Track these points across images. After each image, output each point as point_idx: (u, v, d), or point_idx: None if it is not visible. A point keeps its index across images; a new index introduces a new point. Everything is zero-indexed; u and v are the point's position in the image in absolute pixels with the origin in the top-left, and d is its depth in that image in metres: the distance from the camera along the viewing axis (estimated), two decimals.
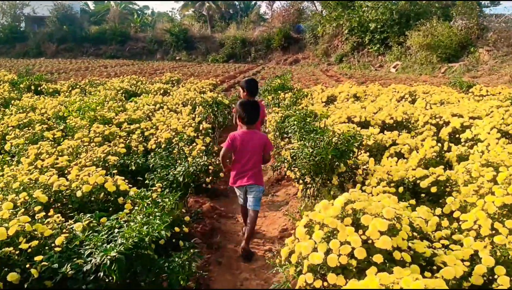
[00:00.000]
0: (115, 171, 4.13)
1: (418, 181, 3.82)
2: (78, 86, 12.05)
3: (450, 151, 5.05)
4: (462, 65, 23.01)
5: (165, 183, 4.21)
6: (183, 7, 51.70)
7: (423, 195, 3.77)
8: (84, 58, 39.54)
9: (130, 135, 6.05)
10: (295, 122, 5.77)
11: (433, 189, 3.73)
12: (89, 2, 55.02)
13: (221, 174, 4.87)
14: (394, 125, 6.67)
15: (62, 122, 6.67)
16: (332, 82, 20.21)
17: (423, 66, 26.32)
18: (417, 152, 4.78)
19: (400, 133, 5.70)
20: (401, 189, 3.72)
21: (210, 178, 4.73)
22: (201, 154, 5.12)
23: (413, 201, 3.42)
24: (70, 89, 11.74)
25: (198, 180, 4.62)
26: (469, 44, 25.40)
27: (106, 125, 6.39)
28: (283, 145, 6.30)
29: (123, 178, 3.88)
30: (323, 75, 25.19)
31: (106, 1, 53.17)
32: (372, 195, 3.30)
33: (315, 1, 41.88)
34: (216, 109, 7.34)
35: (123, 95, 10.80)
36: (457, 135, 5.82)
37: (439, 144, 4.98)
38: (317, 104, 8.84)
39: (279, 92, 10.13)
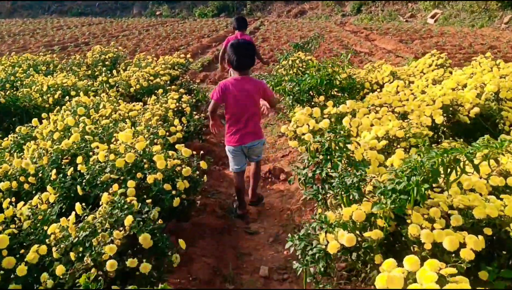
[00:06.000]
0: None
1: None
2: None
3: None
4: None
5: None
6: None
7: None
8: (46, 16, 32.72)
9: None
10: None
11: None
12: None
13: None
14: None
15: None
16: (367, 44, 13.93)
17: (474, 14, 19.85)
18: None
19: None
20: None
21: None
22: None
23: None
24: None
25: None
26: None
27: None
28: None
29: None
30: (343, 31, 18.77)
31: None
32: None
33: None
34: None
35: None
36: None
37: None
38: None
39: (329, 106, 4.09)
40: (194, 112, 5.19)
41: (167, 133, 3.75)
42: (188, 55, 7.64)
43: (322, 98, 4.30)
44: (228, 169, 4.51)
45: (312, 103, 4.51)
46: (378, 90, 5.67)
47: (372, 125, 3.98)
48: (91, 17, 31.84)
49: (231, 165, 3.68)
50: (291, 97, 4.45)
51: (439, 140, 4.08)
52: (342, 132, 2.74)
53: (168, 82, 6.43)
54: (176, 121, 4.21)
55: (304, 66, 5.90)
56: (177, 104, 5.29)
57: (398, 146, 3.59)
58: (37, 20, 29.14)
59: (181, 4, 33.44)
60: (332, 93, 4.49)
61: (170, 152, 3.07)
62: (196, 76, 9.13)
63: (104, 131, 3.45)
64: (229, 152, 3.63)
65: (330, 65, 4.32)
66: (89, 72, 7.37)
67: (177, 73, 7.20)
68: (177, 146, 3.19)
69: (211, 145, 5.07)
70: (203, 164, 3.09)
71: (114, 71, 6.86)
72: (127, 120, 3.86)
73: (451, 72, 6.65)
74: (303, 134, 4.07)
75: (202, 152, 3.54)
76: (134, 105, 4.96)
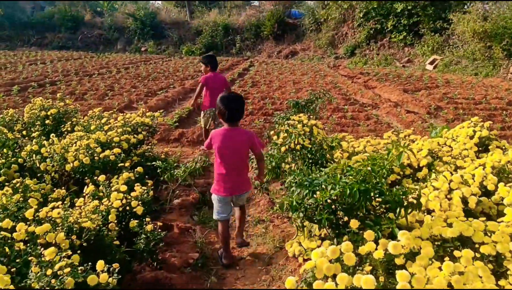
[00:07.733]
0: None
1: None
2: None
3: None
4: None
5: None
6: None
7: None
8: (24, 49, 31.05)
9: None
10: None
11: None
12: None
13: None
14: None
15: None
16: (368, 93, 12.43)
17: (477, 62, 18.69)
18: None
19: None
20: None
21: None
22: None
23: None
24: None
25: None
26: None
27: None
28: None
29: None
30: (339, 76, 17.38)
31: None
32: None
33: None
34: None
35: None
36: None
37: None
38: None
39: None
40: (147, 219, 3.37)
41: None
42: (157, 113, 5.88)
43: (355, 223, 2.56)
44: None
45: (335, 225, 2.77)
46: (414, 178, 4.00)
47: (450, 285, 2.22)
48: (72, 51, 30.26)
49: (216, 213, 3.66)
50: (300, 213, 2.69)
51: None
52: None
53: (121, 154, 4.64)
54: (100, 264, 2.40)
55: (310, 142, 4.21)
56: (125, 200, 3.51)
57: None
58: (13, 53, 27.39)
59: (168, 41, 32.11)
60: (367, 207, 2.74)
61: None
62: (170, 134, 7.36)
63: None
64: (215, 201, 3.64)
65: (369, 166, 2.59)
66: (25, 132, 5.58)
67: (141, 138, 5.43)
68: None
69: (170, 274, 3.18)
70: None
71: (53, 136, 5.06)
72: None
73: (502, 148, 5.05)
74: None
75: None
76: (53, 207, 3.18)
